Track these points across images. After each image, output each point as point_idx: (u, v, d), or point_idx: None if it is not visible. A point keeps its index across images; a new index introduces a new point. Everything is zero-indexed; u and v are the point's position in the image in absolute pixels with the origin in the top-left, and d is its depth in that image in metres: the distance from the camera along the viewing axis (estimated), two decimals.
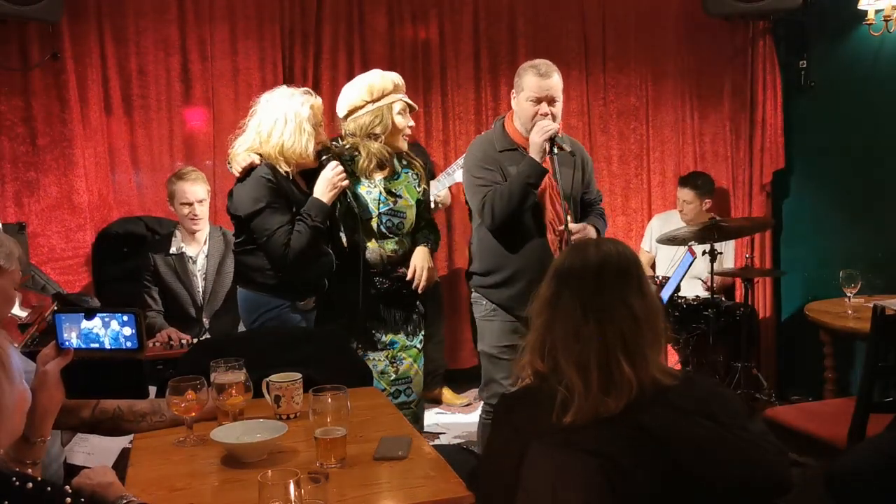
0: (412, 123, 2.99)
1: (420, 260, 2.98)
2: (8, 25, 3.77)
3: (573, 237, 2.87)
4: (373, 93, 2.88)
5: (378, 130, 2.89)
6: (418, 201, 3.04)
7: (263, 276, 2.80)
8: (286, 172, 2.78)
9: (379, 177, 2.96)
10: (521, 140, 3.01)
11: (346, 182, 2.80)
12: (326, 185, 2.77)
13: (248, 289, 2.86)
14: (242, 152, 2.78)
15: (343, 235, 2.89)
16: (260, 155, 2.76)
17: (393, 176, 2.99)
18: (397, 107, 2.90)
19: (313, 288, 2.91)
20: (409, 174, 3.03)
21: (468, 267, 3.20)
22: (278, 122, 2.74)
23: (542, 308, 1.63)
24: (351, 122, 2.92)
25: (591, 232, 3.01)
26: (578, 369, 1.52)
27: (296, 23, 4.27)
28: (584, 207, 3.19)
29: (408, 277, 2.95)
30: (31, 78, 3.85)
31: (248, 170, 2.75)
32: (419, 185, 3.06)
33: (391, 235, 2.95)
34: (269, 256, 2.76)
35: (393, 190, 2.96)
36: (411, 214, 3.01)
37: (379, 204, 2.93)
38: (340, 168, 2.79)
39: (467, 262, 3.23)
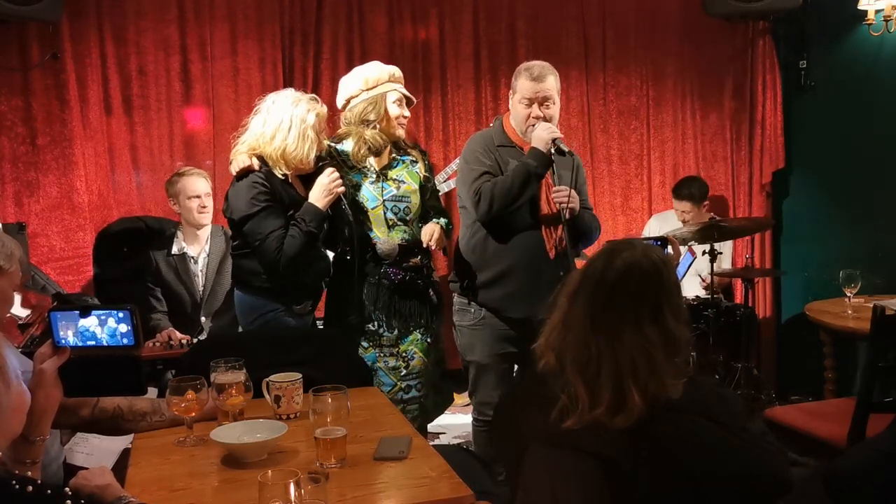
0: (407, 114, 3.00)
1: (431, 225, 2.99)
2: (8, 25, 3.76)
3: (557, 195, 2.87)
4: (368, 82, 2.92)
5: (371, 117, 2.92)
6: (422, 186, 3.04)
7: (259, 280, 2.80)
8: (284, 175, 2.78)
9: (376, 165, 2.96)
10: (518, 140, 2.99)
11: (342, 189, 2.81)
12: (322, 190, 2.77)
13: (245, 292, 2.86)
14: (243, 153, 2.77)
15: (347, 231, 2.88)
16: (261, 156, 2.76)
17: (391, 164, 3.00)
18: (392, 96, 2.94)
19: (309, 292, 2.93)
20: (408, 160, 3.04)
21: (449, 273, 3.11)
22: (283, 125, 2.75)
23: (565, 298, 1.57)
24: (347, 111, 2.97)
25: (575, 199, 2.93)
26: (586, 384, 1.47)
27: (296, 23, 4.27)
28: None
29: (423, 239, 2.95)
30: (31, 78, 3.85)
31: (244, 172, 2.75)
32: (420, 171, 3.05)
33: (399, 223, 2.95)
34: (261, 261, 2.76)
35: (394, 176, 2.97)
36: (416, 199, 3.01)
37: (382, 191, 2.93)
38: (337, 174, 2.80)
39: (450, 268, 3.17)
